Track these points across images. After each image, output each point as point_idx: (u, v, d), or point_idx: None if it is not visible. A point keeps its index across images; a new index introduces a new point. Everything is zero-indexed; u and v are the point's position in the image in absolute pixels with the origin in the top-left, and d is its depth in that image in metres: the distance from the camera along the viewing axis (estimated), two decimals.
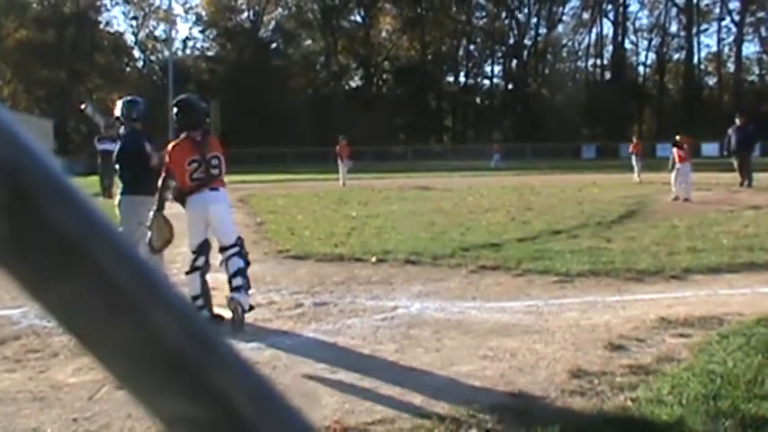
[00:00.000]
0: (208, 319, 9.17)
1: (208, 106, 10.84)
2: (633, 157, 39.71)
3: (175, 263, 13.49)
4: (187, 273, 9.62)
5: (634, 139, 41.71)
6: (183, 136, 9.81)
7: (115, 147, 11.30)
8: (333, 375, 7.31)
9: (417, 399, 6.56)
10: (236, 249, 9.50)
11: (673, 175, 26.36)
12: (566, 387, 6.75)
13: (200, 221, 9.62)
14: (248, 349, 8.22)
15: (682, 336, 8.23)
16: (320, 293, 11.20)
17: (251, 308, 9.45)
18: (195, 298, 9.35)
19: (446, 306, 10.19)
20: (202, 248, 9.63)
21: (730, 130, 31.32)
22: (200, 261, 9.58)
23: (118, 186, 10.92)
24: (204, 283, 9.68)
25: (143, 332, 0.58)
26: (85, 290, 0.58)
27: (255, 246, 16.25)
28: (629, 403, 6.19)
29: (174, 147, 9.81)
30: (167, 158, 9.84)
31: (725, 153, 34.44)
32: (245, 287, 9.37)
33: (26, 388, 6.94)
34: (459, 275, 12.36)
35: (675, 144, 27.51)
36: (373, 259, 13.83)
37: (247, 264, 9.64)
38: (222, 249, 9.57)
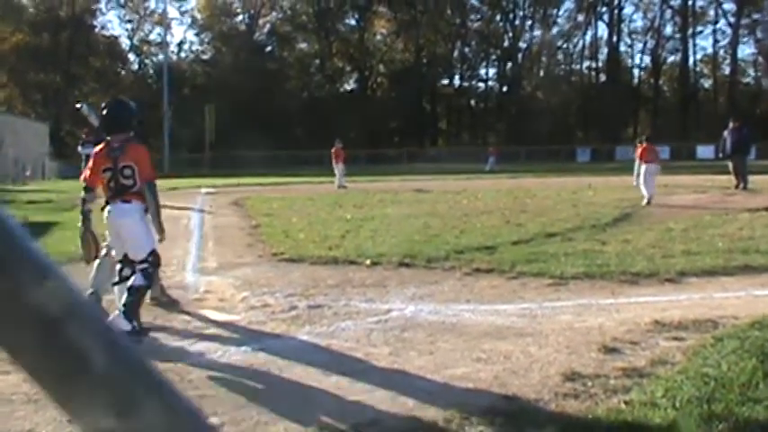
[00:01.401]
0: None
1: (137, 111, 10.34)
2: (637, 162, 39.46)
3: (170, 266, 13.52)
4: (115, 284, 9.39)
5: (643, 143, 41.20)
6: (104, 141, 9.62)
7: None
8: (326, 378, 7.30)
9: (410, 401, 6.55)
10: (143, 266, 9.09)
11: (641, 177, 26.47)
12: (559, 390, 6.73)
13: (114, 234, 9.39)
14: (242, 352, 8.21)
15: (676, 339, 8.22)
16: (314, 296, 11.17)
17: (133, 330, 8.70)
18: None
19: (440, 309, 10.18)
20: (126, 259, 9.28)
21: (725, 133, 31.32)
22: (127, 271, 9.22)
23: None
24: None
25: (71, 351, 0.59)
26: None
27: (250, 248, 16.29)
28: (623, 406, 6.18)
29: (94, 152, 9.65)
30: (89, 164, 9.72)
31: (720, 155, 34.37)
32: (131, 311, 8.80)
33: (21, 390, 6.91)
34: (454, 278, 12.36)
35: (643, 141, 27.69)
36: (368, 262, 13.82)
37: (147, 286, 9.27)
38: (130, 262, 9.21)
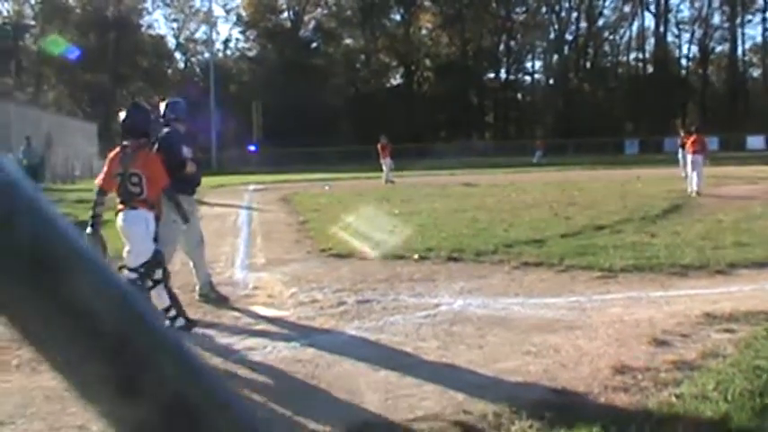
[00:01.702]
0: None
1: (152, 117, 10.35)
2: (680, 151, 39.22)
3: (219, 262, 13.62)
4: (149, 289, 9.43)
5: (684, 133, 40.81)
6: (120, 145, 9.63)
7: None
8: (375, 372, 7.31)
9: (460, 396, 6.55)
10: (133, 276, 9.00)
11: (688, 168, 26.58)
12: (609, 383, 6.71)
13: (124, 239, 9.39)
14: (290, 348, 8.24)
15: (727, 331, 8.16)
16: (363, 291, 11.19)
17: None
18: (166, 310, 9.11)
19: (489, 302, 10.17)
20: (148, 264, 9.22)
21: None
22: (158, 274, 9.21)
23: None
24: (170, 292, 9.41)
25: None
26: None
27: (298, 245, 16.34)
28: (674, 399, 6.14)
29: (109, 157, 9.70)
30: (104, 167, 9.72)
31: None
32: None
33: None
34: (502, 272, 12.34)
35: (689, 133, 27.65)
36: (416, 256, 13.83)
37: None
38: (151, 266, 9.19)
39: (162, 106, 11.21)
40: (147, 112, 10.08)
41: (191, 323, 9.31)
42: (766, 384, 6.18)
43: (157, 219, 9.41)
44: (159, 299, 9.19)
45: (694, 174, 26.18)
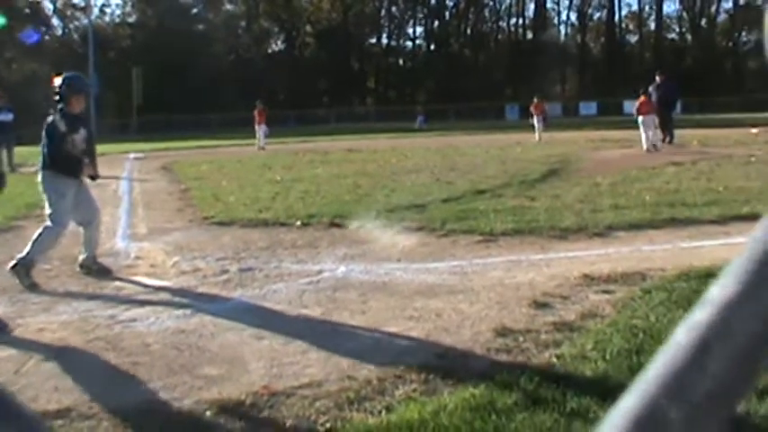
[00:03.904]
0: None
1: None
2: (534, 118, 40.36)
3: (99, 232, 13.42)
4: None
5: (535, 100, 41.84)
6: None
7: (10, 116, 10.92)
8: (259, 341, 7.28)
9: (344, 361, 6.56)
10: None
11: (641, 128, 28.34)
12: (491, 345, 6.79)
13: None
14: (174, 318, 8.16)
15: (605, 292, 8.31)
16: (245, 259, 11.13)
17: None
18: None
19: (371, 268, 10.19)
20: None
21: (651, 88, 31.60)
22: None
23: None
24: None
25: None
26: None
27: (180, 213, 16.16)
28: (554, 360, 6.25)
29: None
30: None
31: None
32: None
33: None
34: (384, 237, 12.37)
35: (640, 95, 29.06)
36: (298, 223, 13.80)
37: None
38: None
39: (57, 81, 10.47)
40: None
41: None
42: (643, 343, 6.33)
43: None
44: None
45: (647, 133, 28.09)
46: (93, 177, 10.63)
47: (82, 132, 10.34)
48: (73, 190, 10.26)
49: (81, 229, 10.75)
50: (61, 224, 10.08)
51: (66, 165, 10.12)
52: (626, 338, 6.49)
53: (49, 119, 10.35)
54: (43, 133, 10.30)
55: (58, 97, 10.28)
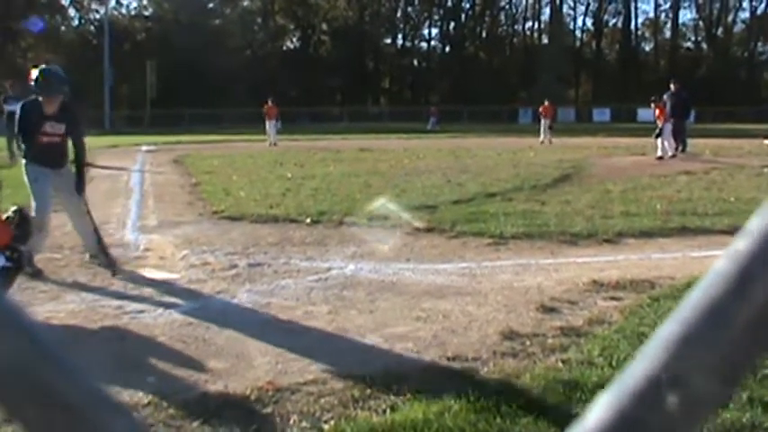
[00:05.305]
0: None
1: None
2: (542, 121, 40.67)
3: (110, 223, 13.45)
4: None
5: (546, 102, 42.14)
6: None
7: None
8: (266, 336, 7.28)
9: (350, 360, 6.56)
10: None
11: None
12: (497, 348, 6.78)
13: None
14: (181, 311, 8.17)
15: (613, 299, 8.31)
16: (254, 254, 11.14)
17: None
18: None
19: (380, 267, 10.19)
20: None
21: (665, 96, 31.53)
22: None
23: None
24: None
25: None
26: None
27: (190, 207, 16.19)
28: (560, 365, 6.23)
29: None
30: None
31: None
32: None
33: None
34: (394, 237, 12.36)
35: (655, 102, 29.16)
36: (308, 220, 13.80)
37: None
38: None
39: (35, 73, 10.21)
40: None
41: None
42: None
43: None
44: None
45: (665, 141, 28.00)
46: (79, 190, 10.47)
47: (59, 127, 10.18)
48: (49, 179, 10.12)
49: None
50: (38, 210, 9.91)
51: (38, 154, 10.02)
52: (633, 345, 6.47)
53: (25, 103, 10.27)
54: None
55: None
